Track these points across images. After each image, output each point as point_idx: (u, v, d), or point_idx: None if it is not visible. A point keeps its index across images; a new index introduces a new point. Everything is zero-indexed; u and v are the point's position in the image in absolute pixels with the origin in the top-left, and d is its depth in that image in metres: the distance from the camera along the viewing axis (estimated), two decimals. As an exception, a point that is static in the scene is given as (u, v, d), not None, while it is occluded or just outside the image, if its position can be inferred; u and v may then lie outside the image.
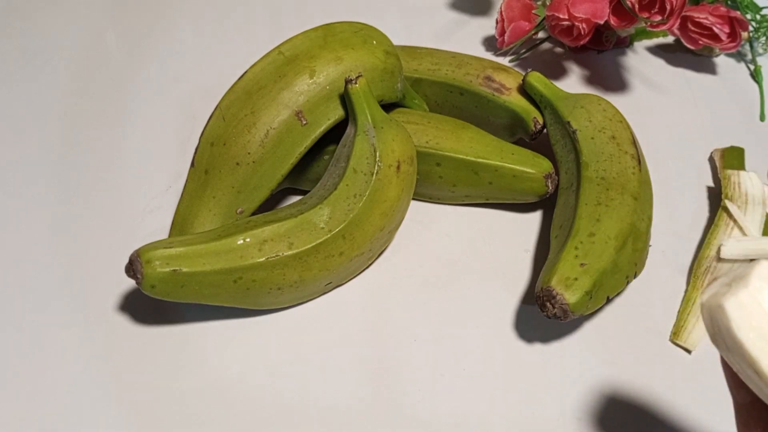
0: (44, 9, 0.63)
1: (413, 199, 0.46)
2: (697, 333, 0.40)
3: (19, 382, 0.39)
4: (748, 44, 0.58)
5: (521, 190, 0.44)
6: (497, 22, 0.57)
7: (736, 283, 0.25)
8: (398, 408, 0.38)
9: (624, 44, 0.58)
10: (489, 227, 0.46)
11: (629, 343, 0.40)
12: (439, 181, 0.45)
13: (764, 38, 0.57)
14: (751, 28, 0.56)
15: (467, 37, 0.60)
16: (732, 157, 0.48)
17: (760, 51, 0.57)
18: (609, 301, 0.39)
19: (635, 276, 0.40)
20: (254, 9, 0.63)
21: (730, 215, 0.44)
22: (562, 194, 0.43)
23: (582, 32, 0.51)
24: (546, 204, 0.47)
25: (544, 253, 0.44)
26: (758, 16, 0.56)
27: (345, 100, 0.42)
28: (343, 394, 0.38)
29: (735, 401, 0.28)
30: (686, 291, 0.42)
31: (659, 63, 0.57)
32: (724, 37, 0.52)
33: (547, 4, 0.53)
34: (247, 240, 0.38)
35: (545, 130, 0.46)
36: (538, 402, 0.38)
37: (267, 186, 0.42)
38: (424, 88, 0.48)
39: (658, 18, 0.49)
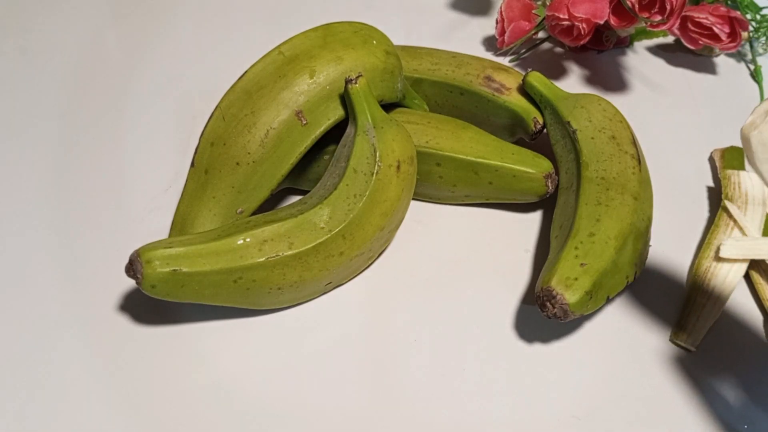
0: (44, 9, 0.63)
1: (413, 199, 0.46)
2: (697, 333, 0.40)
3: (19, 382, 0.39)
4: (748, 44, 0.58)
5: (521, 190, 0.44)
6: (497, 22, 0.57)
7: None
8: (398, 408, 0.38)
9: (624, 44, 0.58)
10: (489, 227, 0.46)
11: (629, 343, 0.40)
12: (439, 181, 0.45)
13: (764, 38, 0.57)
14: (751, 28, 0.56)
15: (467, 37, 0.60)
16: (732, 157, 0.48)
17: (760, 51, 0.57)
18: (609, 301, 0.39)
19: (635, 276, 0.40)
20: (254, 9, 0.63)
21: (730, 215, 0.44)
22: (562, 194, 0.43)
23: (582, 32, 0.51)
24: (546, 204, 0.47)
25: (544, 253, 0.44)
26: (758, 16, 0.56)
27: (345, 100, 0.42)
28: (343, 394, 0.38)
29: None
30: (686, 291, 0.42)
31: (659, 63, 0.57)
32: (724, 37, 0.52)
33: (547, 4, 0.53)
34: (247, 240, 0.38)
35: (545, 130, 0.46)
36: (538, 402, 0.38)
37: (267, 186, 0.42)
38: (424, 88, 0.48)
39: (658, 18, 0.49)
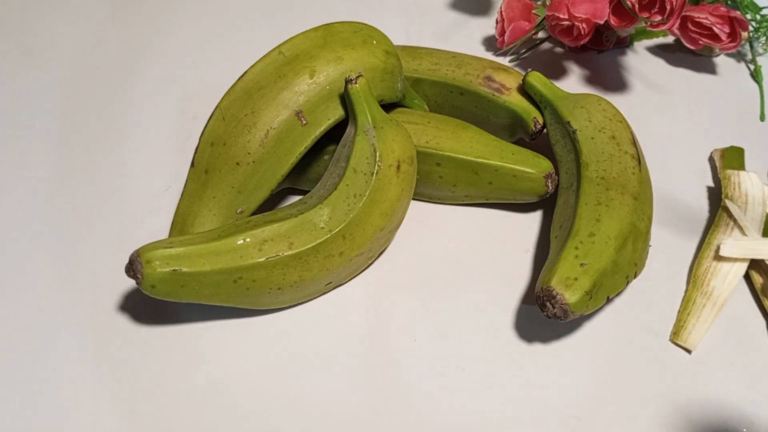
0: (44, 9, 0.63)
1: (413, 199, 0.46)
2: (697, 333, 0.40)
3: (19, 382, 0.39)
4: (748, 44, 0.58)
5: (521, 190, 0.44)
6: (497, 22, 0.57)
7: None
8: (398, 408, 0.38)
9: (624, 44, 0.58)
10: (489, 227, 0.46)
11: (629, 343, 0.40)
12: (439, 181, 0.45)
13: (764, 38, 0.57)
14: (751, 28, 0.56)
15: (467, 37, 0.60)
16: (732, 157, 0.48)
17: (760, 51, 0.57)
18: (609, 301, 0.39)
19: (635, 276, 0.40)
20: (254, 9, 0.63)
21: (730, 215, 0.44)
22: (562, 194, 0.43)
23: (582, 32, 0.51)
24: (546, 204, 0.47)
25: (544, 253, 0.44)
26: (758, 16, 0.56)
27: (345, 100, 0.42)
28: (343, 394, 0.38)
29: None
30: (686, 291, 0.42)
31: (659, 63, 0.57)
32: (724, 37, 0.52)
33: (547, 4, 0.53)
34: (247, 240, 0.38)
35: (545, 130, 0.46)
36: (538, 402, 0.38)
37: (267, 186, 0.42)
38: (424, 88, 0.48)
39: (658, 18, 0.49)
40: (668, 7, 0.48)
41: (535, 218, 0.46)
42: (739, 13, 0.51)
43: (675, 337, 0.40)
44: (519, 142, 0.46)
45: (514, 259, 0.44)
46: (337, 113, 0.42)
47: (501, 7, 0.56)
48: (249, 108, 0.41)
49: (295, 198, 0.47)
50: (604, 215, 0.39)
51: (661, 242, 0.44)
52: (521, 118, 0.46)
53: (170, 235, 0.43)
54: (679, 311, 0.41)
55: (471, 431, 0.37)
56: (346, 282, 0.43)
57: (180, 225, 0.43)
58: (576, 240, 0.38)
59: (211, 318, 0.41)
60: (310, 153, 0.44)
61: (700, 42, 0.53)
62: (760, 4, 0.57)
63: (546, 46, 0.59)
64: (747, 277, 0.43)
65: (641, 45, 0.59)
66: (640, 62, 0.57)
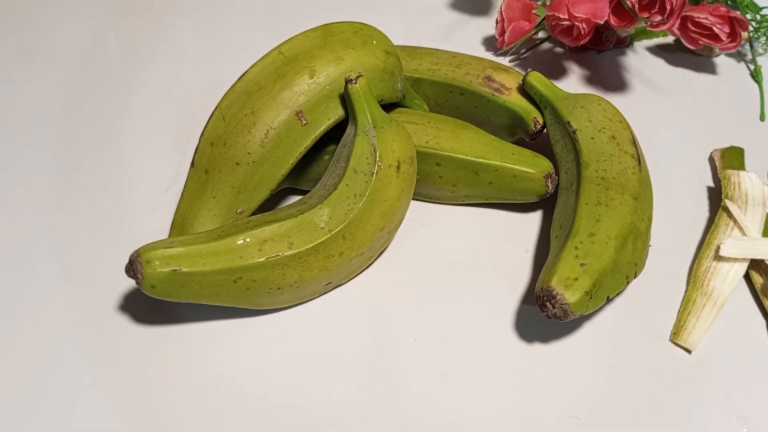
0: (44, 9, 0.63)
1: (413, 199, 0.46)
2: (697, 333, 0.40)
3: (19, 382, 0.39)
4: (748, 44, 0.58)
5: (521, 190, 0.44)
6: (497, 22, 0.57)
7: None
8: (398, 408, 0.38)
9: (624, 44, 0.58)
10: (489, 227, 0.46)
11: (629, 343, 0.40)
12: (439, 181, 0.45)
13: (764, 38, 0.57)
14: (751, 28, 0.56)
15: (467, 37, 0.60)
16: (732, 157, 0.48)
17: (760, 51, 0.57)
18: (609, 301, 0.39)
19: (635, 276, 0.40)
20: (254, 9, 0.63)
21: (730, 215, 0.44)
22: (562, 194, 0.43)
23: (582, 32, 0.51)
24: (546, 204, 0.47)
25: (544, 253, 0.44)
26: (758, 16, 0.56)
27: (345, 100, 0.42)
28: (343, 394, 0.38)
29: None
30: (686, 291, 0.42)
31: (659, 63, 0.57)
32: (724, 37, 0.52)
33: (547, 4, 0.53)
34: (247, 240, 0.38)
35: (545, 130, 0.46)
36: (538, 402, 0.38)
37: (267, 186, 0.42)
38: (424, 88, 0.48)
39: (658, 18, 0.49)
40: (668, 7, 0.48)
41: (535, 218, 0.46)
42: (739, 13, 0.51)
43: (675, 337, 0.40)
44: (519, 142, 0.46)
45: (514, 259, 0.44)
46: (337, 113, 0.42)
47: (501, 7, 0.56)
48: (249, 108, 0.41)
49: (295, 198, 0.47)
50: (604, 215, 0.39)
51: (661, 242, 0.44)
52: (521, 118, 0.46)
53: (170, 235, 0.43)
54: (679, 311, 0.41)
55: (471, 431, 0.37)
56: (346, 282, 0.43)
57: (180, 225, 0.43)
58: (576, 240, 0.38)
59: (211, 318, 0.41)
60: (310, 153, 0.44)
61: (700, 42, 0.53)
62: (760, 4, 0.57)
63: (546, 46, 0.59)
64: (747, 277, 0.43)
65: (641, 45, 0.59)
66: (640, 62, 0.57)
